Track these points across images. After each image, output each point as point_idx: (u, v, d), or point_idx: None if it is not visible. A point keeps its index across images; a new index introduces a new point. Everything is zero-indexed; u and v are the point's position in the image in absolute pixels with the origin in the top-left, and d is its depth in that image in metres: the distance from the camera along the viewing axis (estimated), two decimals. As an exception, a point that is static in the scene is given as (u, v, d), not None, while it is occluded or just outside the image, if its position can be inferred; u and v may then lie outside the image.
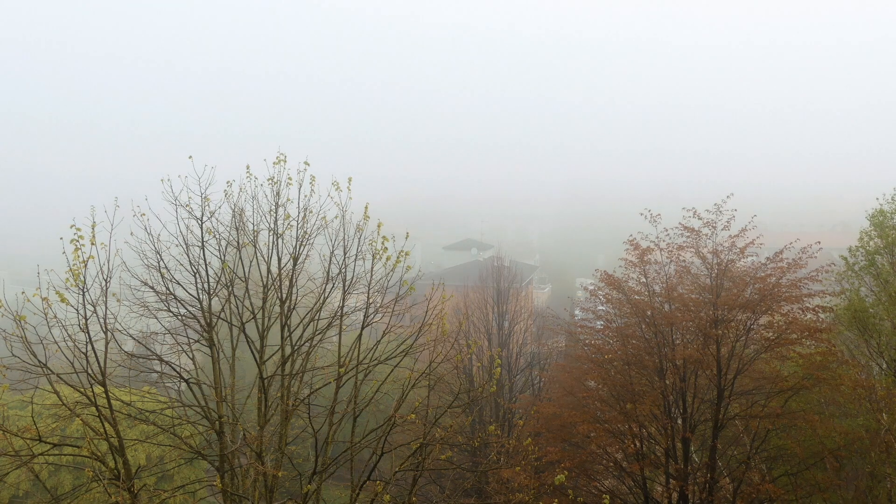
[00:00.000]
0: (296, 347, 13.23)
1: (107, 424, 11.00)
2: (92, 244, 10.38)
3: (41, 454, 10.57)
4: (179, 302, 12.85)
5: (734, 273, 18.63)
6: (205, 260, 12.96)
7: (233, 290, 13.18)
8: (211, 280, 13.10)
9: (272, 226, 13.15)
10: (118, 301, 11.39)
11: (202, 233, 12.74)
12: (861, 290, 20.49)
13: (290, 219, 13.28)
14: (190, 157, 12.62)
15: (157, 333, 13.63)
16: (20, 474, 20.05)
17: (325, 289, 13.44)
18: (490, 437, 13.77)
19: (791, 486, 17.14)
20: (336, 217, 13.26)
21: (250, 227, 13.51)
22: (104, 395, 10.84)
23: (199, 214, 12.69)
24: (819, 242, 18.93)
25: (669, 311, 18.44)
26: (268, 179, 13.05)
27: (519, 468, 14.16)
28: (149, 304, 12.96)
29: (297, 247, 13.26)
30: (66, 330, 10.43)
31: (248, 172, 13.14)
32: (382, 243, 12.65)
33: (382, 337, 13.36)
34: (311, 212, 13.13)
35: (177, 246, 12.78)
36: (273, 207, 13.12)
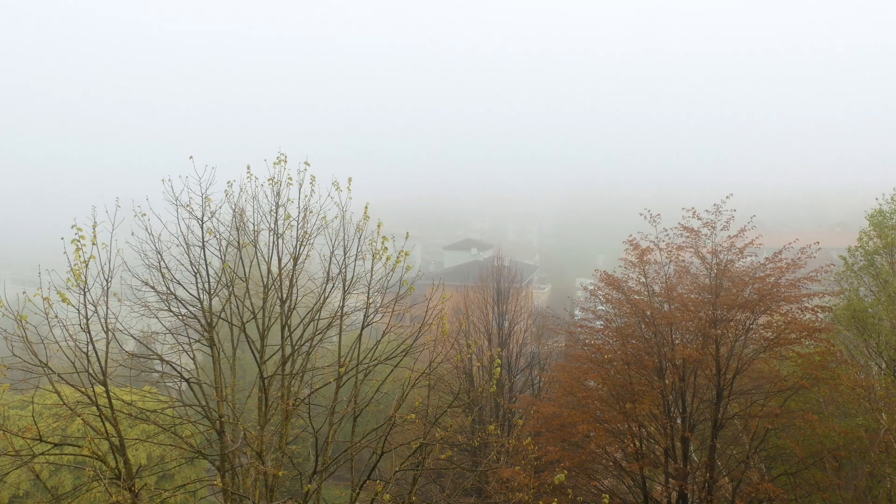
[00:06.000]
0: (296, 347, 13.26)
1: (108, 424, 11.04)
2: (93, 244, 10.43)
3: (42, 454, 10.61)
4: (180, 302, 12.88)
5: (733, 273, 18.66)
6: (205, 260, 13.00)
7: (233, 290, 13.22)
8: (211, 280, 13.13)
9: (272, 226, 13.18)
10: (119, 301, 11.43)
11: (203, 233, 12.78)
12: (860, 290, 20.54)
13: (291, 219, 13.32)
14: (191, 157, 12.65)
15: (157, 333, 13.67)
16: (21, 474, 20.10)
17: (325, 289, 13.48)
18: (490, 437, 13.79)
19: (790, 486, 17.16)
20: (336, 217, 13.31)
21: (251, 227, 13.55)
22: (105, 395, 10.88)
23: (199, 214, 12.72)
24: (818, 242, 18.96)
25: (669, 310, 18.47)
26: (268, 179, 13.09)
27: (519, 468, 14.19)
28: (150, 303, 13.00)
29: (298, 247, 13.29)
30: (67, 330, 10.48)
31: (248, 173, 13.17)
32: (382, 243, 12.69)
33: (382, 337, 13.39)
34: (311, 212, 13.17)
35: (177, 246, 12.82)
36: (273, 207, 13.16)
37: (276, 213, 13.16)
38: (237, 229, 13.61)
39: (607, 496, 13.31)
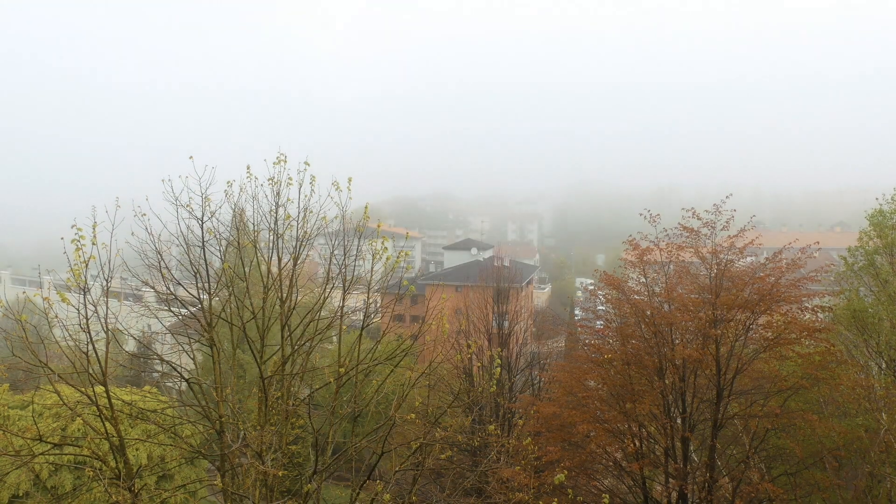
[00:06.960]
0: (296, 347, 13.26)
1: (108, 424, 11.04)
2: (93, 244, 10.43)
3: (42, 454, 10.61)
4: (180, 302, 12.88)
5: (733, 273, 18.65)
6: (205, 260, 13.00)
7: (233, 289, 13.22)
8: (211, 280, 13.13)
9: (272, 226, 13.19)
10: (119, 301, 11.44)
11: (203, 233, 12.78)
12: (860, 290, 20.55)
13: (291, 219, 13.32)
14: (191, 157, 12.65)
15: (157, 333, 13.69)
16: (21, 474, 20.08)
17: (325, 289, 13.48)
18: (490, 437, 13.79)
19: (790, 486, 17.16)
20: (336, 217, 13.31)
21: (251, 227, 13.56)
22: (105, 395, 10.87)
23: (199, 214, 12.72)
24: (818, 243, 18.98)
25: (669, 310, 18.46)
26: (268, 179, 13.09)
27: (519, 468, 14.19)
28: (150, 303, 13.01)
29: (298, 247, 13.30)
30: (67, 330, 10.48)
31: (248, 173, 13.18)
32: (382, 243, 12.69)
33: (382, 337, 13.40)
34: (311, 212, 13.18)
35: (177, 246, 12.82)
36: (273, 207, 13.16)
37: (276, 213, 13.17)
38: (237, 229, 13.62)
39: (607, 496, 13.31)
